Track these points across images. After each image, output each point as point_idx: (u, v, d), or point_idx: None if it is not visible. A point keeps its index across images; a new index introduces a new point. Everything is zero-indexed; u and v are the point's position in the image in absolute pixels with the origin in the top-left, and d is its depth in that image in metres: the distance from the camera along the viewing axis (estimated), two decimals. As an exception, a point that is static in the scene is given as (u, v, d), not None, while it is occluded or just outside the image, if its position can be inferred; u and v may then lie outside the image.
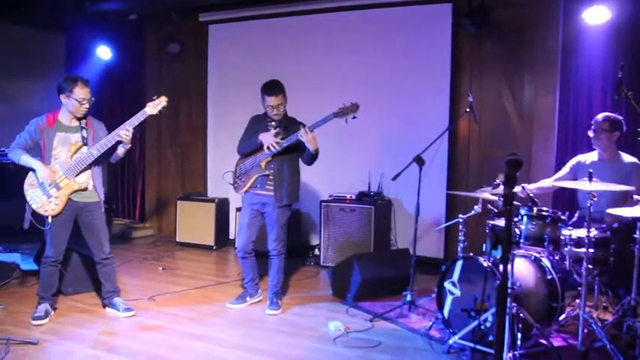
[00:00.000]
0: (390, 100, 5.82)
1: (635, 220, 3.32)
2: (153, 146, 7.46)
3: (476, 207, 3.90)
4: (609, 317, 3.61)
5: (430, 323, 3.79)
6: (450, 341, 3.40)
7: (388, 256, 4.99)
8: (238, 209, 5.47)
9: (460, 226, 3.91)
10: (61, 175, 3.76)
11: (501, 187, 3.61)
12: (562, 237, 3.47)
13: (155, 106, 3.85)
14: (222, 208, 6.51)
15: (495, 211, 3.83)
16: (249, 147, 4.18)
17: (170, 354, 3.39)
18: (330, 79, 6.04)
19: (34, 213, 3.77)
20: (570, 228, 3.57)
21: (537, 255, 3.56)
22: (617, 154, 3.98)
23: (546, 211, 3.51)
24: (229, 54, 6.72)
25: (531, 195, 3.62)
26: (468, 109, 4.48)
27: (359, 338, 3.65)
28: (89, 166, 3.83)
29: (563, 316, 3.57)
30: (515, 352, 3.03)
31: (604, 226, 3.62)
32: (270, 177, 4.11)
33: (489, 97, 5.51)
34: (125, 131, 3.75)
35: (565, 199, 4.96)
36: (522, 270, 3.45)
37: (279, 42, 6.37)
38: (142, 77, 7.35)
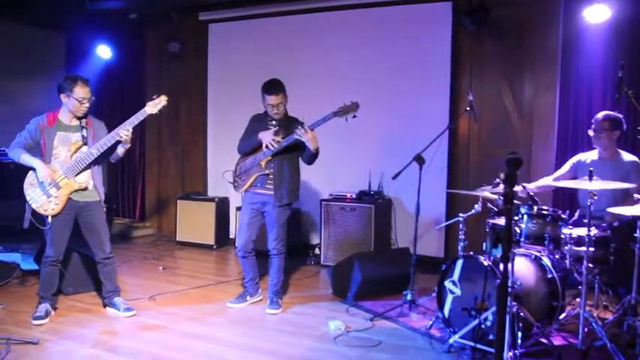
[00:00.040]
0: (390, 99, 5.81)
1: (635, 218, 3.32)
2: (153, 145, 7.46)
3: (476, 206, 3.90)
4: (609, 316, 3.61)
5: (430, 322, 3.80)
6: (451, 340, 3.40)
7: (388, 255, 4.99)
8: (238, 208, 5.47)
9: (460, 225, 3.91)
10: (61, 174, 3.76)
11: (501, 185, 3.61)
12: (562, 236, 3.46)
13: (155, 105, 3.85)
14: (222, 207, 6.51)
15: (495, 209, 3.83)
16: (249, 146, 4.18)
17: (170, 353, 3.39)
18: (330, 78, 6.04)
19: (34, 212, 3.77)
20: (571, 227, 3.56)
21: (538, 254, 3.56)
22: (617, 153, 3.98)
23: (547, 210, 3.51)
24: (229, 53, 6.72)
25: (531, 194, 3.61)
26: (468, 108, 4.48)
27: (359, 337, 3.66)
28: (89, 166, 3.83)
29: (563, 315, 3.57)
30: (516, 351, 3.03)
31: (604, 224, 3.62)
32: (270, 176, 4.11)
33: (489, 95, 5.51)
34: (125, 131, 3.74)
35: (565, 198, 4.96)
36: (523, 269, 3.45)
37: (278, 41, 6.36)
38: (142, 76, 7.35)
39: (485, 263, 3.38)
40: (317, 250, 5.83)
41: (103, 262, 4.06)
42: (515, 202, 3.58)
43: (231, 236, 6.46)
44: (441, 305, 3.64)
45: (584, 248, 3.32)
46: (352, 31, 6.00)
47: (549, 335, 3.32)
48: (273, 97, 4.05)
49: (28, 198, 3.77)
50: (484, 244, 3.79)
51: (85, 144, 3.84)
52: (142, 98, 6.36)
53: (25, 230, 3.87)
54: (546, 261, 3.51)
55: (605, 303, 3.96)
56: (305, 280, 5.15)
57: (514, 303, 3.11)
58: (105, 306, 4.16)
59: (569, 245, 3.45)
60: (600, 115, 3.97)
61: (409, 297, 4.18)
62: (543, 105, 5.33)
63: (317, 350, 3.46)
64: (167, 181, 7.40)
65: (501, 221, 3.66)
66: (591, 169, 3.35)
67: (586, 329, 3.32)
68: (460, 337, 3.36)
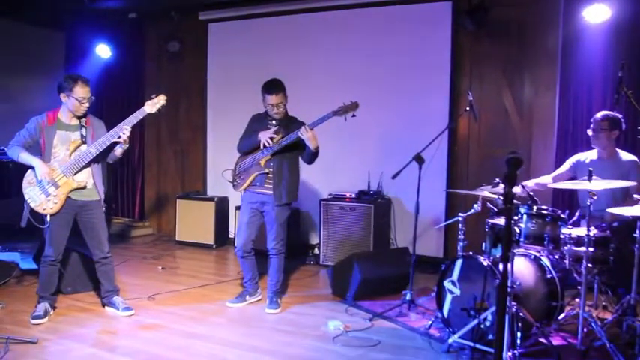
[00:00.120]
0: (389, 99, 5.81)
1: (634, 219, 3.32)
2: (152, 145, 7.46)
3: (475, 206, 3.90)
4: (609, 316, 3.61)
5: (430, 322, 3.80)
6: (450, 340, 3.39)
7: (388, 255, 4.99)
8: (238, 208, 5.47)
9: (460, 225, 3.91)
10: (60, 173, 3.75)
11: (501, 185, 3.61)
12: (562, 236, 3.46)
13: (154, 104, 3.85)
14: (221, 206, 6.51)
15: (495, 209, 3.83)
16: (248, 145, 4.18)
17: (170, 353, 3.39)
18: (330, 77, 6.03)
19: (33, 212, 3.77)
20: (570, 227, 3.57)
21: (537, 254, 3.56)
22: (615, 153, 3.98)
23: (546, 210, 3.51)
24: (229, 52, 6.72)
25: (531, 193, 3.61)
26: (467, 108, 4.48)
27: (358, 337, 3.65)
28: (88, 165, 3.82)
29: (562, 315, 3.57)
30: (515, 351, 3.03)
31: (604, 224, 3.62)
32: (270, 175, 4.11)
33: (489, 95, 5.51)
34: (124, 131, 3.74)
35: (565, 198, 4.97)
36: (522, 269, 3.45)
37: (278, 41, 6.36)
38: (141, 76, 7.35)
39: (485, 263, 3.38)
40: (316, 250, 5.83)
41: (101, 262, 4.05)
42: (515, 202, 3.58)
43: (231, 236, 6.46)
44: (440, 305, 3.64)
45: (583, 248, 3.33)
46: (352, 30, 6.00)
47: (548, 335, 3.31)
48: (273, 97, 4.05)
49: (26, 197, 3.76)
50: (483, 244, 3.79)
51: (84, 143, 3.83)
52: (141, 97, 6.39)
53: (23, 229, 3.87)
54: (545, 261, 3.51)
55: (604, 303, 3.96)
56: (304, 280, 5.15)
57: (513, 303, 3.11)
58: (104, 305, 4.16)
59: (568, 245, 3.45)
60: (599, 114, 3.98)
61: (408, 297, 4.18)
62: (543, 105, 5.33)
63: (316, 350, 3.46)
64: (166, 181, 7.40)
65: (501, 221, 3.67)
66: (590, 169, 3.35)
67: (585, 329, 3.33)
68: (459, 337, 3.36)
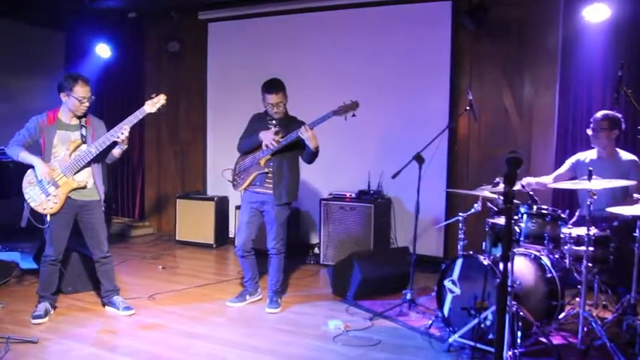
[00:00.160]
0: (389, 99, 5.81)
1: (634, 218, 3.32)
2: (152, 144, 7.46)
3: (476, 205, 3.89)
4: (609, 315, 3.61)
5: (430, 322, 3.80)
6: (450, 340, 3.39)
7: (388, 254, 4.99)
8: (238, 207, 5.47)
9: (460, 225, 3.91)
10: (60, 172, 3.75)
11: (501, 185, 3.61)
12: (562, 235, 3.46)
13: (154, 104, 3.85)
14: (221, 206, 6.51)
15: (495, 209, 3.83)
16: (249, 145, 4.18)
17: (170, 352, 3.39)
18: (330, 77, 6.03)
19: (33, 211, 3.76)
20: (570, 226, 3.57)
21: (537, 253, 3.56)
22: (615, 152, 3.98)
23: (546, 210, 3.51)
24: (229, 52, 6.72)
25: (531, 193, 3.61)
26: (467, 107, 4.48)
27: (359, 337, 3.65)
28: (88, 164, 3.82)
29: (562, 315, 3.57)
30: (515, 351, 3.03)
31: (604, 224, 3.62)
32: (270, 175, 4.11)
33: (489, 95, 5.51)
34: (123, 131, 3.74)
35: (565, 197, 4.97)
36: (522, 268, 3.45)
37: (278, 40, 6.36)
38: (141, 75, 7.35)
39: (485, 262, 3.38)
40: (316, 250, 5.83)
41: (101, 262, 4.05)
42: (515, 201, 3.58)
43: (231, 235, 6.46)
44: (440, 304, 3.64)
45: (583, 248, 3.33)
46: (352, 30, 6.00)
47: (549, 334, 3.31)
48: (273, 96, 4.05)
49: (26, 197, 3.76)
50: (483, 243, 3.79)
51: (84, 142, 3.83)
52: (141, 97, 6.38)
53: (24, 229, 3.87)
54: (546, 260, 3.51)
55: (604, 302, 3.96)
56: (304, 280, 5.15)
57: (514, 302, 3.11)
58: (104, 305, 4.16)
59: (568, 245, 3.45)
60: (599, 114, 3.98)
61: (409, 296, 4.18)
62: (543, 104, 5.33)
63: (316, 349, 3.46)
64: (166, 180, 7.40)
65: (501, 221, 3.67)
66: (590, 168, 3.35)
67: (585, 328, 3.33)
68: (460, 337, 3.36)
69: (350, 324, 3.85)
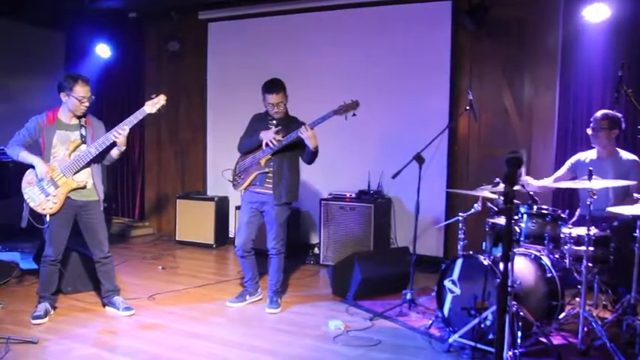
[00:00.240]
0: (389, 99, 5.81)
1: (635, 218, 3.32)
2: (152, 145, 7.45)
3: (476, 205, 3.89)
4: (609, 316, 3.61)
5: (430, 322, 3.79)
6: (450, 340, 3.39)
7: (388, 254, 4.99)
8: (238, 207, 5.47)
9: (460, 225, 3.91)
10: (59, 172, 3.75)
11: (501, 185, 3.61)
12: (562, 235, 3.46)
13: (154, 104, 3.85)
14: (221, 206, 6.51)
15: (495, 209, 3.83)
16: (249, 145, 4.18)
17: (170, 353, 3.39)
18: (330, 77, 6.03)
19: (32, 211, 3.76)
20: (570, 226, 3.57)
21: (537, 253, 3.56)
22: (616, 152, 3.98)
23: (546, 210, 3.51)
24: (229, 52, 6.72)
25: (531, 193, 3.61)
26: (467, 107, 4.48)
27: (359, 337, 3.65)
28: (88, 165, 3.82)
29: (563, 315, 3.57)
30: (516, 351, 3.03)
31: (604, 224, 3.62)
32: (270, 175, 4.11)
33: (489, 95, 5.51)
34: (121, 130, 3.73)
35: (565, 197, 4.97)
36: (522, 268, 3.45)
37: (278, 40, 6.36)
38: (141, 75, 7.35)
39: (485, 262, 3.38)
40: (316, 250, 5.83)
41: (101, 262, 4.05)
42: (515, 201, 3.58)
43: (231, 235, 6.46)
44: (440, 305, 3.64)
45: (583, 247, 3.33)
46: (352, 30, 6.00)
47: (549, 334, 3.31)
48: (274, 96, 4.06)
49: (26, 197, 3.76)
50: (483, 243, 3.79)
51: (84, 142, 3.83)
52: (141, 97, 6.39)
53: (24, 229, 3.87)
54: (546, 260, 3.51)
55: (604, 302, 3.96)
56: (304, 280, 5.15)
57: (514, 302, 3.11)
58: (104, 305, 4.16)
59: (568, 245, 3.45)
60: (599, 113, 3.98)
61: (409, 296, 4.18)
62: (543, 104, 5.33)
63: (316, 350, 3.46)
64: (166, 181, 7.39)
65: (501, 221, 3.67)
66: (591, 168, 3.35)
67: (585, 328, 3.33)
68: (460, 337, 3.35)
69: (350, 324, 3.85)
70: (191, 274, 5.27)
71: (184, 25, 6.94)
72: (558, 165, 4.59)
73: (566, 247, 3.45)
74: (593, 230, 3.39)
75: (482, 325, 3.26)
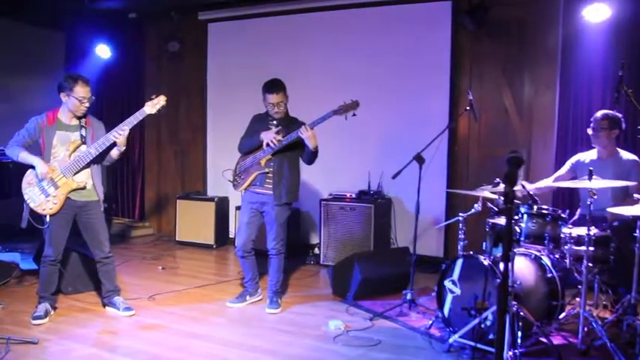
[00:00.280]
0: (389, 99, 5.81)
1: (635, 218, 3.31)
2: (152, 145, 7.46)
3: (476, 205, 3.89)
4: (609, 316, 3.61)
5: (430, 322, 3.79)
6: (450, 340, 3.39)
7: (388, 254, 4.99)
8: (238, 208, 5.47)
9: (460, 225, 3.91)
10: (59, 173, 3.75)
11: (501, 185, 3.61)
12: (562, 235, 3.46)
13: (154, 105, 3.85)
14: (221, 206, 6.51)
15: (495, 209, 3.83)
16: (249, 145, 4.18)
17: (170, 353, 3.38)
18: (330, 77, 6.03)
19: (32, 212, 3.76)
20: (570, 226, 3.56)
21: (537, 253, 3.56)
22: (616, 152, 3.98)
23: (546, 210, 3.51)
24: (229, 52, 6.72)
25: (531, 193, 3.61)
26: (467, 108, 4.48)
27: (359, 337, 3.65)
28: (88, 165, 3.82)
29: (563, 315, 3.57)
30: (516, 351, 3.03)
31: (604, 224, 3.62)
32: (270, 175, 4.11)
33: (489, 95, 5.51)
34: (121, 131, 3.73)
35: (565, 197, 4.97)
36: (522, 268, 3.45)
37: (278, 40, 6.36)
38: (141, 76, 7.35)
39: (485, 263, 3.38)
40: (317, 250, 5.83)
41: (102, 262, 4.05)
42: (515, 201, 3.57)
43: (231, 236, 6.46)
44: (440, 305, 3.63)
45: (584, 248, 3.32)
46: (351, 30, 6.00)
47: (549, 335, 3.31)
48: (274, 96, 4.06)
49: (26, 197, 3.76)
50: (484, 243, 3.79)
51: (84, 143, 3.83)
52: (141, 98, 6.39)
53: (24, 230, 3.87)
54: (546, 260, 3.51)
55: (604, 302, 3.95)
56: (305, 280, 5.15)
57: (514, 302, 3.11)
58: (104, 305, 4.16)
59: (568, 245, 3.45)
60: (599, 113, 3.98)
61: (409, 296, 4.18)
62: (543, 104, 5.33)
63: (317, 350, 3.46)
64: (166, 181, 7.39)
65: (501, 221, 3.66)
66: (591, 168, 3.35)
67: (586, 328, 3.33)
68: (460, 337, 3.35)
69: (350, 324, 3.85)
70: (191, 274, 5.27)
71: (184, 25, 6.94)
72: (558, 165, 4.59)
73: (566, 247, 3.45)
74: (594, 230, 3.39)
75: (483, 326, 3.26)
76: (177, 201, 6.64)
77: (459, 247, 3.84)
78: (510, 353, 2.93)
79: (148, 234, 7.25)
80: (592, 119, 4.00)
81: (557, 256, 3.57)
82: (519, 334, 3.13)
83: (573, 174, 4.11)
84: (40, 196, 3.74)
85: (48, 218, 3.76)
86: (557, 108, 5.22)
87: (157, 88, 6.19)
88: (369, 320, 3.95)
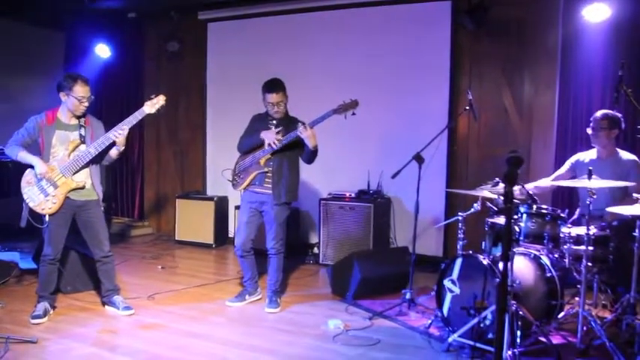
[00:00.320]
0: (389, 98, 5.81)
1: (634, 218, 3.32)
2: (152, 144, 7.45)
3: (475, 205, 3.89)
4: (608, 315, 3.61)
5: (429, 321, 3.79)
6: (450, 339, 3.39)
7: (387, 254, 4.99)
8: (237, 207, 5.45)
9: (459, 224, 3.91)
10: (59, 172, 3.75)
11: (501, 184, 3.61)
12: (561, 235, 3.47)
13: (153, 104, 3.85)
14: (221, 206, 6.51)
15: (495, 209, 3.83)
16: (249, 145, 4.18)
17: (170, 352, 3.38)
18: (330, 77, 6.03)
19: (31, 211, 3.76)
20: (570, 226, 3.57)
21: (537, 253, 3.56)
22: (615, 152, 3.98)
23: (546, 209, 3.51)
24: (228, 52, 6.71)
25: (531, 192, 3.61)
26: (467, 107, 4.48)
27: (358, 336, 3.65)
28: (87, 165, 3.82)
29: (562, 314, 3.57)
30: (515, 350, 3.03)
31: (603, 224, 3.62)
32: (269, 174, 4.11)
33: (489, 94, 5.51)
34: (120, 130, 3.73)
35: (564, 197, 4.97)
36: (522, 268, 3.45)
37: (277, 40, 6.36)
38: (140, 75, 7.35)
39: (485, 262, 3.38)
40: (316, 249, 5.83)
41: (102, 261, 4.05)
42: (515, 201, 3.58)
43: (230, 235, 6.46)
44: (440, 304, 3.64)
45: (583, 247, 3.33)
46: (351, 30, 6.00)
47: (548, 334, 3.31)
48: (274, 96, 4.06)
49: (25, 197, 3.76)
50: (483, 243, 3.78)
51: (83, 142, 3.83)
52: (140, 97, 6.39)
53: (23, 229, 3.87)
54: (545, 260, 3.51)
55: (603, 302, 3.96)
56: (304, 279, 5.15)
57: (513, 302, 3.11)
58: (104, 305, 4.16)
59: (568, 244, 3.45)
60: (599, 113, 3.97)
61: (408, 296, 4.18)
62: (543, 104, 5.33)
63: (316, 349, 3.46)
64: (166, 180, 7.39)
65: (500, 220, 3.66)
66: (590, 168, 3.35)
67: (585, 328, 3.33)
68: (459, 336, 3.35)
69: (349, 323, 3.85)
70: (190, 273, 5.27)
71: (184, 25, 6.93)
72: (558, 164, 4.59)
73: (565, 246, 3.46)
74: (593, 230, 3.39)
75: (482, 325, 3.26)
76: (177, 200, 6.64)
77: (459, 247, 3.84)
78: (509, 352, 2.93)
79: (148, 233, 7.25)
80: (592, 119, 3.99)
81: (556, 255, 3.57)
82: (518, 333, 3.14)
83: (573, 173, 4.11)
84: (40, 195, 3.74)
85: (47, 217, 3.76)
86: (557, 108, 5.22)
87: (157, 87, 6.18)
88: (369, 319, 3.95)
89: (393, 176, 4.28)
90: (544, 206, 3.55)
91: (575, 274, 3.54)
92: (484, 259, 3.42)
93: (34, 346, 3.37)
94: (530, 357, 3.21)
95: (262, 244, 4.31)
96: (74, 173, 3.78)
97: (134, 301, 4.23)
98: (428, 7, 5.67)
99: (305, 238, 6.29)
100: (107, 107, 7.21)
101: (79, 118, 3.85)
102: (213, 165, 6.84)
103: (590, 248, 3.34)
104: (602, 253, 3.45)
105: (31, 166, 3.75)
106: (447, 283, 3.60)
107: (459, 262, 3.57)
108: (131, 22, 7.14)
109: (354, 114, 3.92)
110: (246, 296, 4.34)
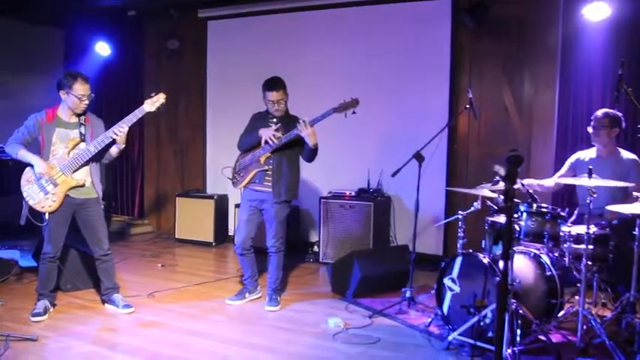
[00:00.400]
0: (389, 97, 5.81)
1: (634, 216, 3.32)
2: (152, 143, 7.45)
3: (475, 203, 3.89)
4: (608, 314, 3.62)
5: (429, 320, 3.80)
6: (450, 337, 3.40)
7: (387, 252, 4.99)
8: (237, 205, 5.45)
9: (459, 223, 3.91)
10: (58, 171, 3.75)
11: (501, 183, 3.61)
12: (561, 233, 3.47)
13: (153, 103, 3.84)
14: (221, 204, 6.51)
15: (495, 207, 3.83)
16: (249, 142, 4.18)
17: (170, 350, 3.39)
18: (330, 75, 6.03)
19: (31, 209, 3.76)
20: (570, 224, 3.57)
21: (537, 251, 3.56)
22: (616, 151, 3.98)
23: (546, 208, 3.52)
24: (228, 50, 6.71)
25: (531, 191, 3.61)
26: (467, 106, 4.47)
27: (358, 334, 3.65)
28: (87, 163, 3.82)
29: (562, 313, 3.57)
30: (515, 349, 3.03)
31: (603, 222, 3.62)
32: (269, 172, 4.11)
33: (489, 93, 5.51)
34: (120, 129, 3.73)
35: (564, 196, 4.97)
36: (522, 266, 3.46)
37: (277, 39, 6.35)
38: (140, 74, 7.34)
39: (485, 261, 3.38)
40: (316, 248, 5.83)
41: (102, 259, 4.05)
42: (515, 200, 3.58)
43: (230, 233, 6.45)
44: (440, 302, 3.64)
45: (583, 246, 3.33)
46: (351, 28, 5.99)
47: (548, 332, 3.32)
48: (274, 94, 4.05)
49: (25, 195, 3.76)
50: (483, 241, 3.79)
51: (83, 140, 3.83)
52: (140, 95, 6.39)
53: (23, 227, 3.87)
54: (545, 259, 3.51)
55: (603, 300, 3.96)
56: (304, 278, 5.15)
57: (513, 300, 3.11)
58: (104, 303, 4.16)
59: (568, 243, 3.45)
60: (599, 112, 3.98)
61: (408, 294, 4.18)
62: (543, 102, 5.33)
63: (316, 347, 3.46)
64: (166, 179, 7.39)
65: (501, 219, 3.67)
66: (590, 167, 3.35)
67: (585, 327, 3.33)
68: (459, 335, 3.35)
69: (349, 322, 3.85)
70: (190, 271, 5.27)
71: (184, 23, 6.92)
72: (557, 163, 4.59)
73: (565, 245, 3.46)
74: (593, 228, 3.39)
75: (482, 323, 3.27)
76: (177, 199, 6.64)
77: (459, 245, 3.84)
78: (509, 351, 2.93)
79: (148, 231, 7.25)
80: (592, 117, 3.99)
81: (556, 254, 3.57)
82: (518, 332, 3.14)
83: (573, 173, 4.10)
84: (39, 193, 3.74)
85: (47, 216, 3.76)
86: (557, 106, 5.22)
87: (157, 85, 6.19)
88: (369, 318, 3.96)
89: (393, 175, 4.28)
90: (544, 205, 3.55)
91: (575, 272, 3.54)
92: (484, 257, 3.42)
93: (34, 344, 3.37)
94: (530, 355, 3.21)
95: (262, 242, 4.31)
96: (74, 171, 3.78)
97: (134, 299, 4.23)
98: (428, 6, 5.66)
99: (305, 236, 6.29)
100: (107, 105, 7.20)
101: (79, 116, 3.85)
102: (213, 163, 6.84)
103: (590, 247, 3.34)
104: (602, 251, 3.45)
105: (31, 165, 3.75)
106: (447, 281, 3.60)
107: (459, 260, 3.57)
108: (131, 20, 7.13)
109: (354, 112, 3.92)
110: (246, 294, 4.35)
